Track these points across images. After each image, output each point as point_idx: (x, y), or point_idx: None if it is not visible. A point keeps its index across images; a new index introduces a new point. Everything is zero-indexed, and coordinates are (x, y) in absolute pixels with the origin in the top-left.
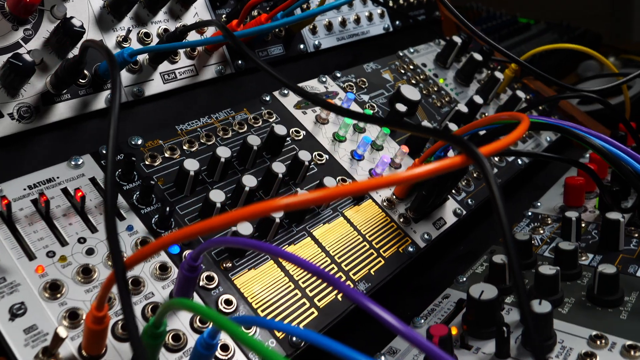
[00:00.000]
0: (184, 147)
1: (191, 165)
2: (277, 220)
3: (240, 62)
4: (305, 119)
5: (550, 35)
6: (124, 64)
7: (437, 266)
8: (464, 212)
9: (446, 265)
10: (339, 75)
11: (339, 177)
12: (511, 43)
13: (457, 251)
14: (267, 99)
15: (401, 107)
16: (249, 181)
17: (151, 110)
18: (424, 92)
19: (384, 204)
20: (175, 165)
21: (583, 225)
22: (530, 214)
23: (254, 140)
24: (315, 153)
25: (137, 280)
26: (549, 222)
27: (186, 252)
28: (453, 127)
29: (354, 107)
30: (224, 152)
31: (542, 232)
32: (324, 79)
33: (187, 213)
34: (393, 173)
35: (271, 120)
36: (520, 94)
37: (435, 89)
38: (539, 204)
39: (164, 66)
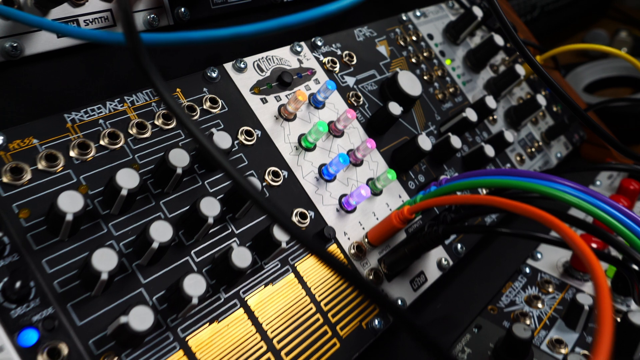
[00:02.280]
0: (72, 154)
1: (70, 203)
2: (195, 301)
3: (183, 9)
4: (264, 111)
5: None
6: None
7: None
8: (451, 264)
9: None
10: (319, 43)
11: (297, 210)
12: None
13: (433, 308)
14: (214, 75)
15: (395, 109)
16: (160, 233)
17: (32, 81)
18: (425, 77)
19: (352, 251)
20: (52, 186)
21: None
22: (528, 270)
23: (180, 159)
24: (270, 170)
25: None
26: (550, 289)
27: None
28: (456, 142)
29: (335, 98)
30: (127, 180)
31: (540, 305)
32: (298, 48)
33: (60, 271)
34: None
35: (214, 110)
36: (541, 99)
37: (440, 73)
38: (539, 254)
39: (61, 10)
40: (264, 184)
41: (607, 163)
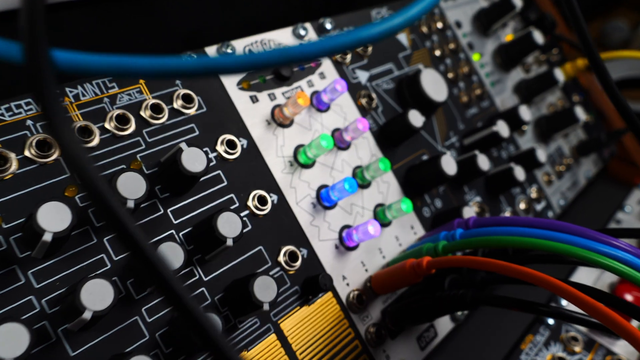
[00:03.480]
0: None
1: None
2: None
3: None
4: (254, 113)
5: None
6: None
7: None
8: (466, 313)
9: None
10: (328, 26)
11: (286, 249)
12: None
13: None
14: None
15: (416, 120)
16: (95, 298)
17: None
18: (450, 75)
19: (351, 299)
20: None
21: None
22: (551, 321)
23: (132, 188)
24: (255, 194)
25: None
26: (577, 348)
27: None
28: (484, 162)
29: (343, 99)
30: (54, 220)
31: None
32: (302, 31)
33: None
34: None
35: (188, 111)
36: (580, 113)
37: (466, 70)
38: (564, 301)
39: None
40: (246, 212)
41: None
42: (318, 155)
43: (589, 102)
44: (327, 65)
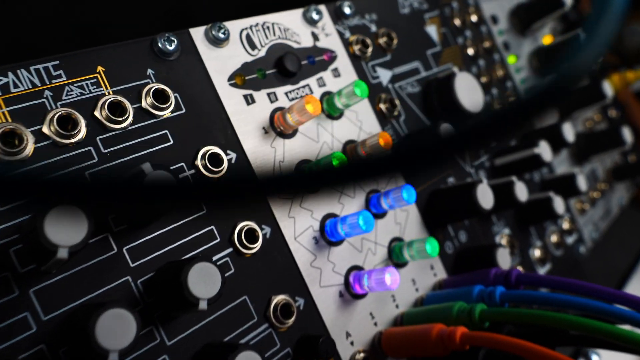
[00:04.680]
0: None
1: None
2: None
3: None
4: (248, 118)
5: None
6: None
7: None
8: None
9: None
10: (347, 10)
11: (278, 300)
12: None
13: None
14: (170, 47)
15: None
16: None
17: None
18: (484, 79)
19: None
20: None
21: None
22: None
23: (67, 230)
24: (243, 227)
25: None
26: None
27: None
28: (522, 192)
29: (360, 104)
30: None
31: None
32: (316, 15)
33: None
34: None
35: (161, 113)
36: (627, 134)
37: (500, 74)
38: (595, 356)
39: None
40: (229, 250)
41: None
42: None
43: (625, 119)
44: (342, 59)
